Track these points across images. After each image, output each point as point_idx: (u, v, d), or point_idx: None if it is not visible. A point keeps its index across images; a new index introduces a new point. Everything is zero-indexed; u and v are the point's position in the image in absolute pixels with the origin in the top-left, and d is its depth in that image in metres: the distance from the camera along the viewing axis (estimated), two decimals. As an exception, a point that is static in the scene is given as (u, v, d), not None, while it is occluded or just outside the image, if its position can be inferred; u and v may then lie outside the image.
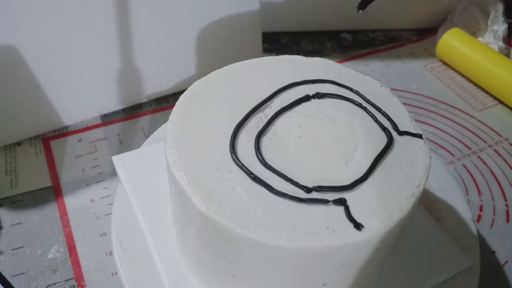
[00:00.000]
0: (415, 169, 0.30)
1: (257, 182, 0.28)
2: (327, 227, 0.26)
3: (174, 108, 0.33)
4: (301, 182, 0.28)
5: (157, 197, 0.40)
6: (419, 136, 0.32)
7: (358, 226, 0.26)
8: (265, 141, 0.31)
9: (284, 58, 0.38)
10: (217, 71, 0.36)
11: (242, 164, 0.29)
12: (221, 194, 0.27)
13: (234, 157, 0.29)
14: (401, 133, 0.32)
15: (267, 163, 0.29)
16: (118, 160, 0.43)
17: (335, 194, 0.28)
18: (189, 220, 0.30)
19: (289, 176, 0.28)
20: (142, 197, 0.40)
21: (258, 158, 0.30)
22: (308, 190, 0.28)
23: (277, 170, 0.29)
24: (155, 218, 0.38)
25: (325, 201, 0.27)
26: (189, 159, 0.29)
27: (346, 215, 0.27)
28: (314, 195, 0.28)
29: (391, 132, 0.32)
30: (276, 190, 0.27)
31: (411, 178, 0.29)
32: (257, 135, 0.31)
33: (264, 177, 0.28)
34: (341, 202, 0.27)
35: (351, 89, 0.35)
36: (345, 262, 0.28)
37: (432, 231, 0.39)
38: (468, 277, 0.36)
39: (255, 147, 0.30)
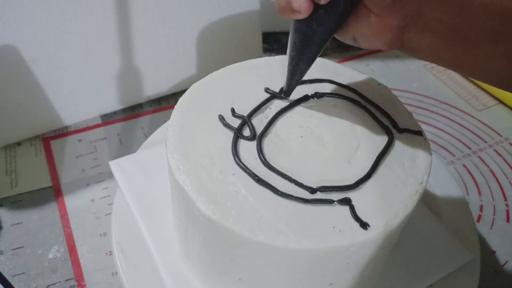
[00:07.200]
0: (417, 166, 0.30)
1: (261, 185, 0.28)
2: (334, 227, 0.26)
3: (174, 112, 0.33)
4: (305, 183, 0.28)
5: (156, 202, 0.40)
6: (419, 133, 0.32)
7: (364, 225, 0.26)
8: (266, 142, 0.31)
9: (281, 58, 0.38)
10: (214, 73, 0.36)
11: (245, 166, 0.29)
12: (226, 198, 0.27)
13: (237, 159, 0.29)
14: (401, 130, 0.32)
15: (270, 165, 0.29)
16: (116, 165, 0.42)
17: (339, 194, 0.28)
18: (194, 225, 0.29)
19: (293, 177, 0.28)
20: (141, 203, 0.39)
21: (261, 160, 0.29)
22: (312, 190, 0.28)
23: (280, 172, 0.29)
24: (156, 223, 0.38)
25: (330, 201, 0.27)
26: (192, 163, 0.29)
27: (351, 214, 0.27)
28: (319, 195, 0.28)
29: (392, 130, 0.32)
30: (280, 191, 0.27)
31: (414, 175, 0.30)
32: (259, 136, 0.31)
33: (268, 179, 0.28)
34: (346, 201, 0.27)
35: (349, 88, 0.35)
36: (352, 261, 0.28)
37: (433, 226, 0.39)
38: (469, 274, 0.37)
39: (257, 149, 0.30)
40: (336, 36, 0.29)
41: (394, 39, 0.26)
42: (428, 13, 0.24)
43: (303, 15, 0.26)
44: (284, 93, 0.33)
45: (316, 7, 0.26)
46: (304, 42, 0.29)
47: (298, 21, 0.28)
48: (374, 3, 0.25)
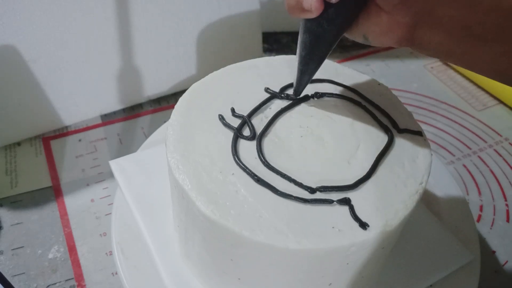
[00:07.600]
0: (417, 166, 0.30)
1: (261, 184, 0.28)
2: (333, 227, 0.26)
3: (174, 111, 0.33)
4: (304, 183, 0.28)
5: (156, 202, 0.40)
6: (419, 133, 0.32)
7: (363, 225, 0.26)
8: (266, 142, 0.31)
9: (281, 58, 0.38)
10: (214, 72, 0.36)
11: (245, 166, 0.29)
12: (225, 198, 0.27)
13: (236, 159, 0.29)
14: (401, 130, 0.32)
15: (270, 165, 0.29)
16: (116, 165, 0.42)
17: (339, 194, 0.28)
18: (193, 224, 0.29)
19: (293, 177, 0.28)
20: (142, 203, 0.40)
21: (261, 159, 0.29)
22: (312, 190, 0.28)
23: (280, 172, 0.29)
24: (156, 223, 0.38)
25: (329, 201, 0.27)
26: (191, 163, 0.29)
27: (351, 214, 0.27)
28: (318, 195, 0.28)
29: (391, 130, 0.32)
30: (280, 191, 0.27)
31: (414, 175, 0.30)
32: (259, 136, 0.31)
33: (267, 179, 0.28)
34: (346, 201, 0.27)
35: (349, 88, 0.35)
36: (351, 261, 0.28)
37: (433, 226, 0.39)
38: (469, 274, 0.37)
39: (257, 148, 0.30)
40: (346, 34, 0.29)
41: (405, 36, 0.26)
42: (439, 10, 0.24)
43: (314, 14, 0.26)
44: (294, 92, 0.33)
45: (327, 6, 0.26)
46: (314, 41, 0.29)
47: (308, 21, 0.28)
48: (385, 1, 0.25)
